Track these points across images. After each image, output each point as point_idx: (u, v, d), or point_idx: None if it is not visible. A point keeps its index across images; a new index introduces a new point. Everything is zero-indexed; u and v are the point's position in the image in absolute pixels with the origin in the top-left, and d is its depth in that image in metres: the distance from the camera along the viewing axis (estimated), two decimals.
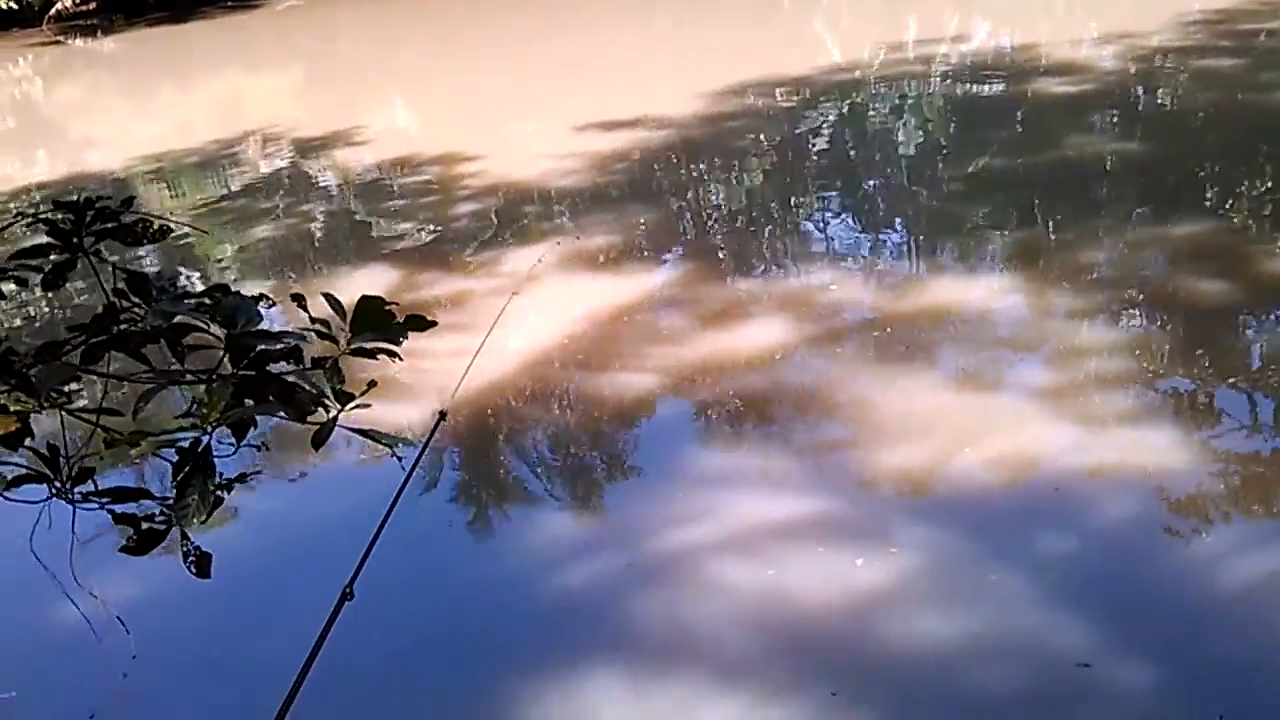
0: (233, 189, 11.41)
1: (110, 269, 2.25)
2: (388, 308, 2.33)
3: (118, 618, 2.41)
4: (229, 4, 26.70)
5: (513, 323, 6.58)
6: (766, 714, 3.22)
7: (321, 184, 11.24)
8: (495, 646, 3.79)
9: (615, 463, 5.18)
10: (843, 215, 8.37)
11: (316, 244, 9.28)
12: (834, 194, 8.88)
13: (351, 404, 2.15)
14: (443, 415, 3.25)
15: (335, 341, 2.29)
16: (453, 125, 12.85)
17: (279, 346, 2.25)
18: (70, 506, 2.21)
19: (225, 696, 3.54)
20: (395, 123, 13.97)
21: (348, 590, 2.32)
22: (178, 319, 2.28)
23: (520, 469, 5.26)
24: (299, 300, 2.33)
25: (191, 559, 2.21)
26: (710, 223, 8.50)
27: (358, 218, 9.89)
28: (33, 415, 2.05)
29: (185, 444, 2.09)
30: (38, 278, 2.25)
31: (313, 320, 2.29)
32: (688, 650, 3.57)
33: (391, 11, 23.44)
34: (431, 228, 8.96)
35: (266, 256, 9.04)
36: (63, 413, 2.22)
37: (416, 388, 5.63)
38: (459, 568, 4.50)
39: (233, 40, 23.24)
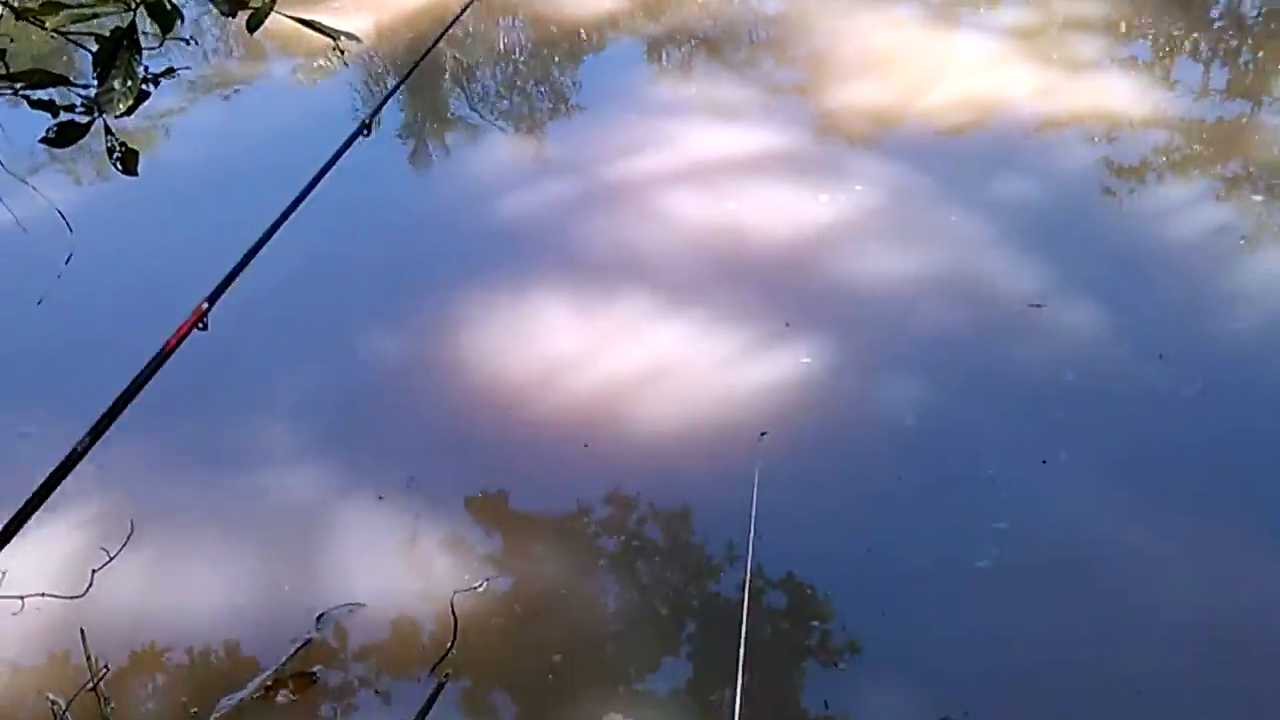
0: None
1: None
2: None
3: (58, 211, 2.29)
4: None
5: None
6: (716, 338, 3.25)
7: None
8: (448, 263, 3.74)
9: (570, 88, 4.99)
10: None
11: None
12: None
13: None
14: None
15: None
16: None
17: None
18: None
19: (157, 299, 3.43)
20: None
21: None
22: None
23: (472, 90, 5.05)
24: None
25: (117, 155, 2.06)
26: None
27: None
28: None
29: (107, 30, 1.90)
30: None
31: None
32: (640, 274, 3.54)
33: None
34: None
35: None
36: None
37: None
38: (413, 193, 4.38)
39: None
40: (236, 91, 5.08)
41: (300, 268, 3.56)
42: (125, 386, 1.39)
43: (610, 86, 4.93)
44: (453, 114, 4.86)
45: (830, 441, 2.90)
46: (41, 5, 1.79)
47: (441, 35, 2.61)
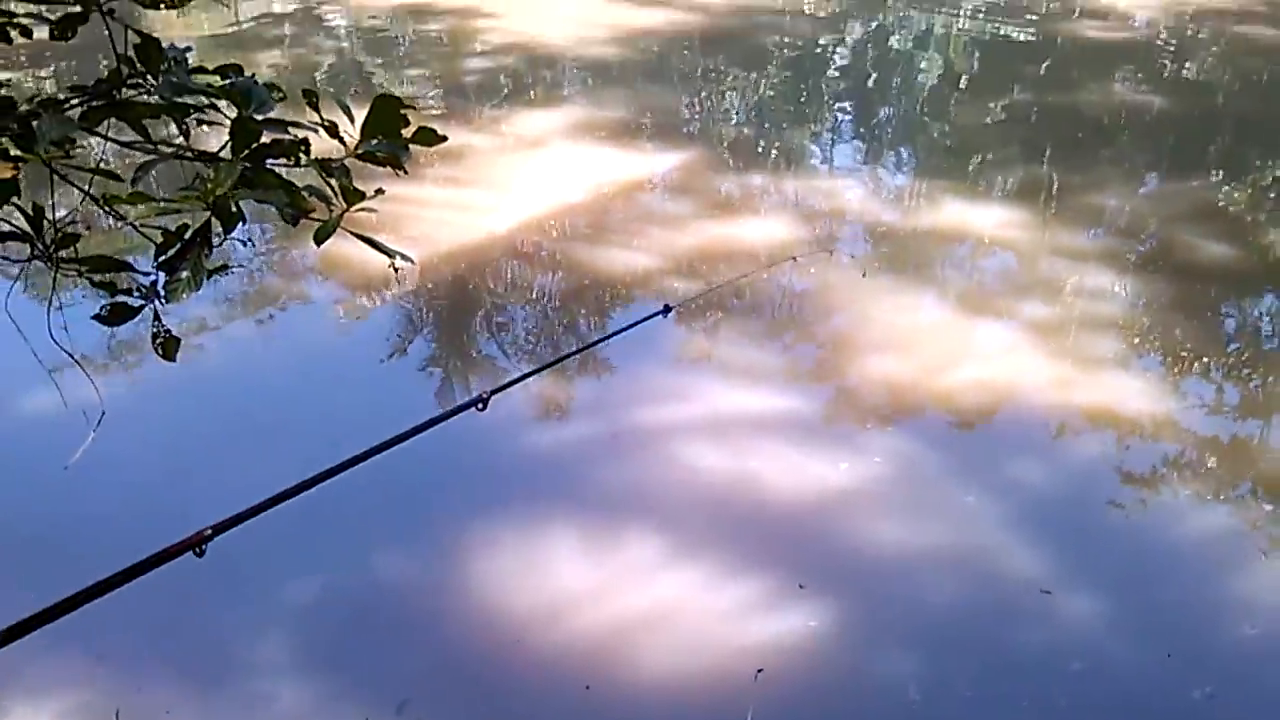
0: (241, 19, 11.11)
1: (123, 31, 2.17)
2: (402, 111, 2.26)
3: (92, 382, 2.38)
4: None
5: (514, 184, 6.52)
6: (721, 590, 3.25)
7: (332, 24, 10.96)
8: (461, 492, 3.79)
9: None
10: (854, 132, 8.27)
11: (317, 82, 9.07)
12: (848, 109, 8.75)
13: (359, 204, 2.09)
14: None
15: (343, 142, 2.22)
16: None
17: (287, 137, 2.18)
18: (50, 270, 2.16)
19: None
20: None
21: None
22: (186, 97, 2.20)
23: (502, 329, 5.23)
24: (310, 97, 2.26)
25: (160, 340, 2.16)
26: (724, 116, 8.37)
27: (362, 60, 9.67)
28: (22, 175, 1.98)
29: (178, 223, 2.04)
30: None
31: (323, 119, 2.22)
32: (653, 520, 3.58)
33: None
34: (438, 80, 8.78)
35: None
36: (55, 174, 2.16)
37: (403, 233, 5.57)
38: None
39: None
40: (280, 308, 5.27)
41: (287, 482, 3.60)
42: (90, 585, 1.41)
43: (636, 340, 5.09)
44: (481, 352, 5.01)
45: (832, 711, 2.84)
46: (130, 195, 1.92)
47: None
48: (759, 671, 2.80)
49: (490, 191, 6.34)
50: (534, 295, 5.51)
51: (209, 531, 1.66)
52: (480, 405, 2.10)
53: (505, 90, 8.57)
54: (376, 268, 5.29)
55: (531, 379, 4.58)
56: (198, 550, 1.63)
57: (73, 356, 2.38)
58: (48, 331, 2.20)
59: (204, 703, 2.78)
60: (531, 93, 8.47)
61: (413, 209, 5.83)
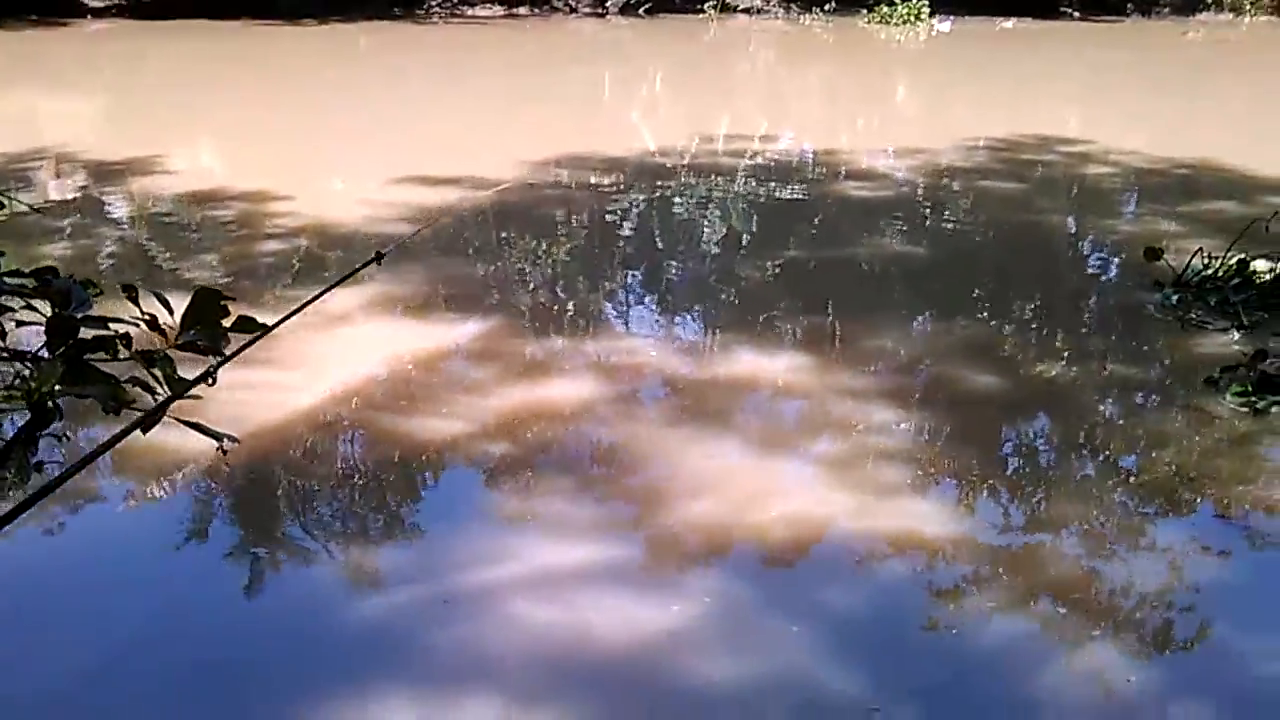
0: (16, 210, 10.83)
1: None
2: (222, 303, 2.36)
3: None
4: (32, 18, 25.41)
5: (316, 362, 6.54)
6: None
7: (117, 212, 10.81)
8: (287, 675, 3.73)
9: (417, 504, 5.19)
10: (646, 293, 8.66)
11: (105, 270, 8.91)
12: (639, 273, 9.17)
13: (185, 390, 2.16)
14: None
15: (164, 334, 2.30)
16: (262, 166, 12.58)
17: (108, 332, 2.24)
18: None
19: None
20: (200, 159, 13.58)
21: None
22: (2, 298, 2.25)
23: (317, 506, 5.18)
24: (129, 290, 2.33)
25: None
26: (521, 286, 8.63)
27: (152, 247, 9.56)
28: None
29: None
30: None
31: (143, 313, 2.29)
32: (486, 681, 3.62)
33: (206, 49, 22.87)
34: (232, 264, 8.76)
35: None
36: None
37: (212, 417, 5.48)
38: (254, 601, 4.39)
39: (33, 56, 22.11)
40: (85, 500, 5.11)
41: (112, 678, 3.56)
42: None
43: (452, 505, 5.18)
44: (285, 534, 4.95)
45: None
46: None
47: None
48: None
49: (293, 371, 6.34)
50: (342, 468, 5.51)
51: None
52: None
53: (301, 270, 8.62)
54: (195, 448, 5.21)
55: (345, 546, 4.57)
56: None
57: None
58: None
59: None
60: (327, 272, 8.55)
61: (213, 391, 5.77)
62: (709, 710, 3.56)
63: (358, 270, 3.15)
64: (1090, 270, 9.70)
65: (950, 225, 10.83)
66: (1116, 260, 9.76)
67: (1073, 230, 10.78)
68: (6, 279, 2.26)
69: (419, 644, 3.88)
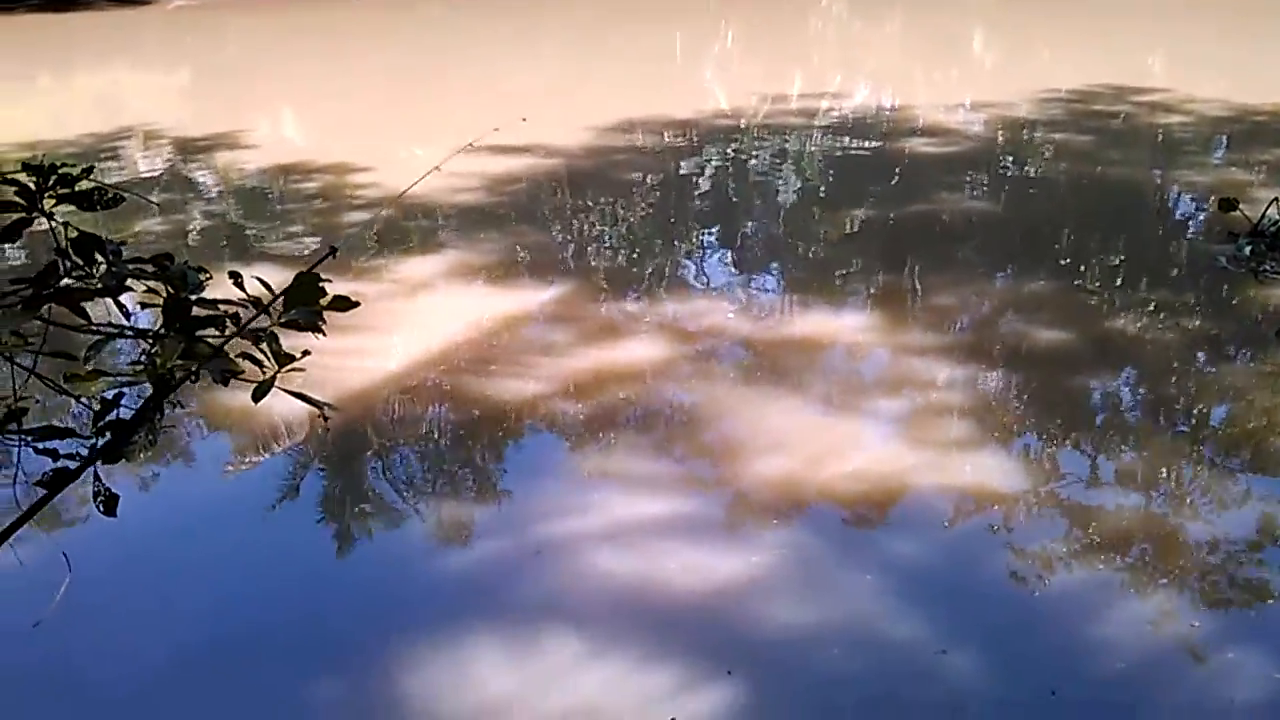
0: (109, 184, 11.22)
1: (63, 228, 2.40)
2: (321, 284, 2.54)
3: (63, 553, 2.57)
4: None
5: (400, 328, 6.78)
6: (633, 680, 3.51)
7: (204, 186, 11.18)
8: (383, 623, 3.97)
9: (500, 462, 5.40)
10: (721, 253, 8.76)
11: (194, 244, 9.26)
12: (713, 233, 9.27)
13: (289, 365, 2.34)
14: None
15: (268, 314, 2.48)
16: (342, 138, 12.88)
17: (218, 312, 2.44)
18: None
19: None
20: (282, 131, 13.94)
21: None
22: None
23: (407, 465, 5.43)
24: (235, 277, 2.52)
25: (101, 498, 2.37)
26: (595, 249, 8.79)
27: (239, 221, 9.90)
28: None
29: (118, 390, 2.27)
30: None
31: (247, 295, 2.48)
32: (569, 626, 3.84)
33: (284, 23, 23.29)
34: (317, 235, 9.04)
35: (146, 252, 8.96)
36: (10, 360, 2.37)
37: (308, 384, 5.74)
38: (350, 556, 4.65)
39: (118, 35, 22.74)
40: (194, 462, 5.41)
41: (229, 623, 3.84)
42: None
43: (533, 462, 5.37)
44: (377, 492, 5.20)
45: None
46: (89, 372, 2.15)
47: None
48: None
49: (380, 336, 6.59)
50: (429, 429, 5.74)
51: None
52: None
53: (383, 240, 8.87)
54: (288, 413, 5.48)
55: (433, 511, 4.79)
56: None
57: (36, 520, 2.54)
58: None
59: None
60: (410, 241, 8.79)
61: (308, 359, 6.03)
62: (783, 652, 3.71)
63: (316, 264, 3.30)
64: (1164, 223, 9.56)
65: (1025, 179, 10.73)
66: (1191, 212, 9.62)
67: (1147, 182, 10.62)
68: (129, 264, 2.46)
69: (505, 593, 4.10)
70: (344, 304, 2.62)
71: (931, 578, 4.21)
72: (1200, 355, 6.48)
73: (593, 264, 8.38)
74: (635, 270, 8.17)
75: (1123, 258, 8.21)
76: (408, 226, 9.21)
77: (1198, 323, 6.88)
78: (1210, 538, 4.48)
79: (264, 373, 2.44)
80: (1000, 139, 11.95)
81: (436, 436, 5.69)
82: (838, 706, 3.45)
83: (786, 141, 12.16)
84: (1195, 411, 5.79)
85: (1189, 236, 9.01)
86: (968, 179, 10.45)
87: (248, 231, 9.55)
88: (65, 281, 2.42)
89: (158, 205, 9.63)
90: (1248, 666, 3.64)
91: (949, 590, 4.13)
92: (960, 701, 3.43)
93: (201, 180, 11.34)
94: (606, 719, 3.34)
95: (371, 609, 4.12)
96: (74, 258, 2.39)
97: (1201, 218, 9.17)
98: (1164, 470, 5.09)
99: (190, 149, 12.37)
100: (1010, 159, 11.42)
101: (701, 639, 3.77)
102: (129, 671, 3.79)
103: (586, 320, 6.95)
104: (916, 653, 3.67)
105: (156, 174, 11.59)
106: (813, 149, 11.95)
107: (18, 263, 8.08)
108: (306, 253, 8.52)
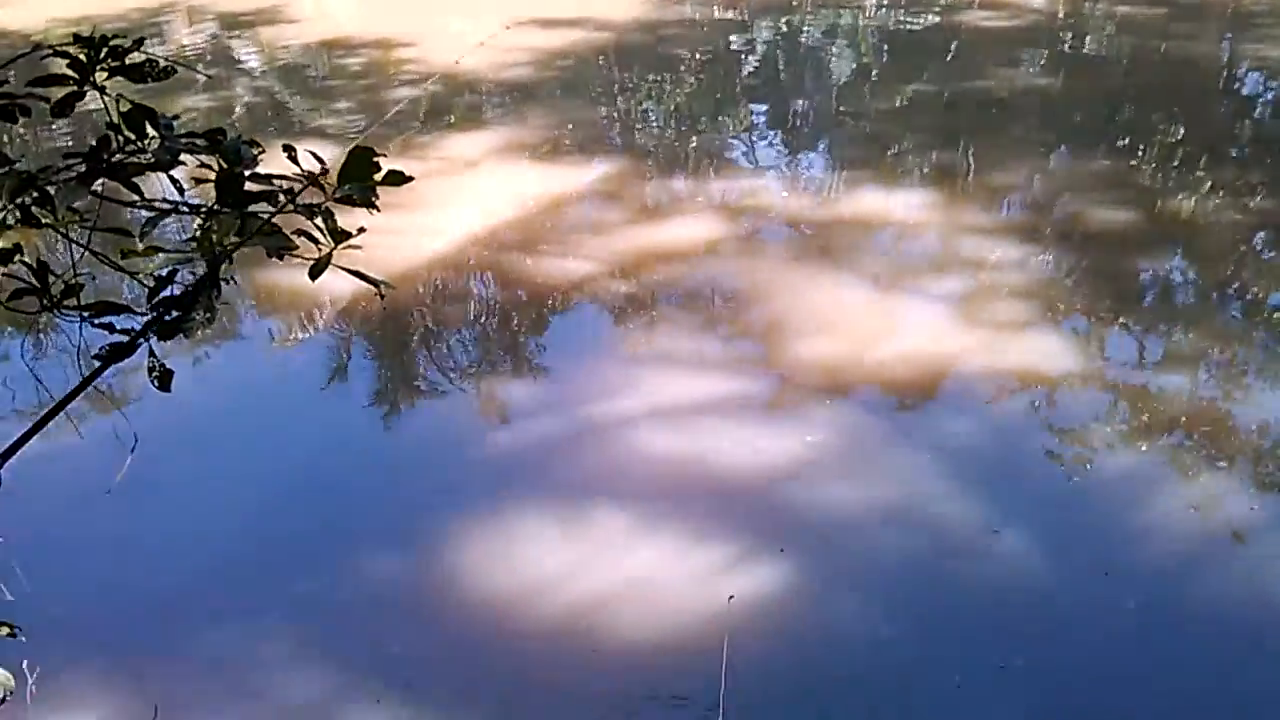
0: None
1: (115, 101, 2.37)
2: (375, 159, 2.50)
3: (122, 413, 2.64)
4: None
5: (448, 206, 6.75)
6: (686, 556, 3.54)
7: (249, 61, 11.08)
8: (436, 499, 4.03)
9: (547, 341, 5.41)
10: (771, 130, 8.59)
11: (239, 121, 9.21)
12: (764, 109, 9.08)
13: (345, 242, 2.32)
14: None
15: (322, 189, 2.45)
16: (385, 13, 12.65)
17: (272, 187, 2.41)
18: (62, 320, 2.36)
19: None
20: (324, 7, 13.71)
21: None
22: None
23: (456, 345, 5.46)
24: (289, 150, 2.48)
25: (156, 374, 2.38)
26: (644, 126, 8.66)
27: (285, 98, 9.82)
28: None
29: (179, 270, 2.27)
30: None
31: (301, 170, 2.45)
32: (619, 502, 3.87)
33: None
34: (363, 112, 8.95)
35: (194, 128, 8.95)
36: (65, 236, 2.37)
37: (359, 261, 5.75)
38: (402, 434, 4.70)
39: None
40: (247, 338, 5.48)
41: (286, 499, 3.91)
42: None
43: (581, 342, 5.38)
44: (426, 372, 5.23)
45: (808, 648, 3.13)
46: (145, 248, 2.15)
47: None
48: (731, 598, 3.15)
49: (427, 214, 6.56)
50: (478, 308, 5.76)
51: None
52: None
53: (430, 116, 8.77)
54: (338, 290, 5.51)
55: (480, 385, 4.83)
56: None
57: (103, 392, 2.60)
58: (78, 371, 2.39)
59: (218, 698, 2.98)
60: (454, 117, 8.69)
61: (359, 237, 6.03)
62: (836, 530, 3.72)
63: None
64: (1232, 100, 9.22)
65: (1087, 55, 10.36)
66: (1261, 89, 9.26)
67: (1216, 58, 10.22)
68: (181, 139, 2.44)
69: (555, 471, 4.14)
70: (398, 179, 2.59)
71: (983, 459, 4.19)
72: (1265, 236, 6.30)
73: (641, 141, 8.26)
74: (684, 148, 8.04)
75: (1187, 136, 7.95)
76: (455, 103, 9.10)
77: (1264, 202, 6.67)
78: (1271, 421, 4.41)
79: (319, 250, 2.43)
80: (1061, 12, 11.52)
81: (485, 317, 5.71)
82: (893, 584, 3.47)
83: (840, 16, 11.80)
84: (1258, 293, 5.65)
85: (1258, 114, 8.69)
86: (1026, 55, 10.11)
87: (293, 108, 9.48)
88: (118, 157, 2.41)
89: (209, 77, 9.57)
90: None
91: (1001, 471, 4.12)
92: (1015, 582, 3.43)
93: (245, 57, 11.23)
94: (660, 594, 3.38)
95: (422, 487, 4.18)
96: (126, 132, 2.37)
97: (1270, 95, 8.84)
98: (1222, 352, 5.01)
99: (233, 25, 12.23)
100: (1071, 34, 11.02)
101: (753, 517, 3.79)
102: (190, 542, 3.88)
103: (633, 198, 6.89)
104: (970, 532, 3.67)
105: (200, 50, 11.49)
106: (866, 23, 11.59)
107: (64, 143, 8.09)
108: (354, 130, 8.46)
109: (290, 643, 3.25)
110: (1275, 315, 5.44)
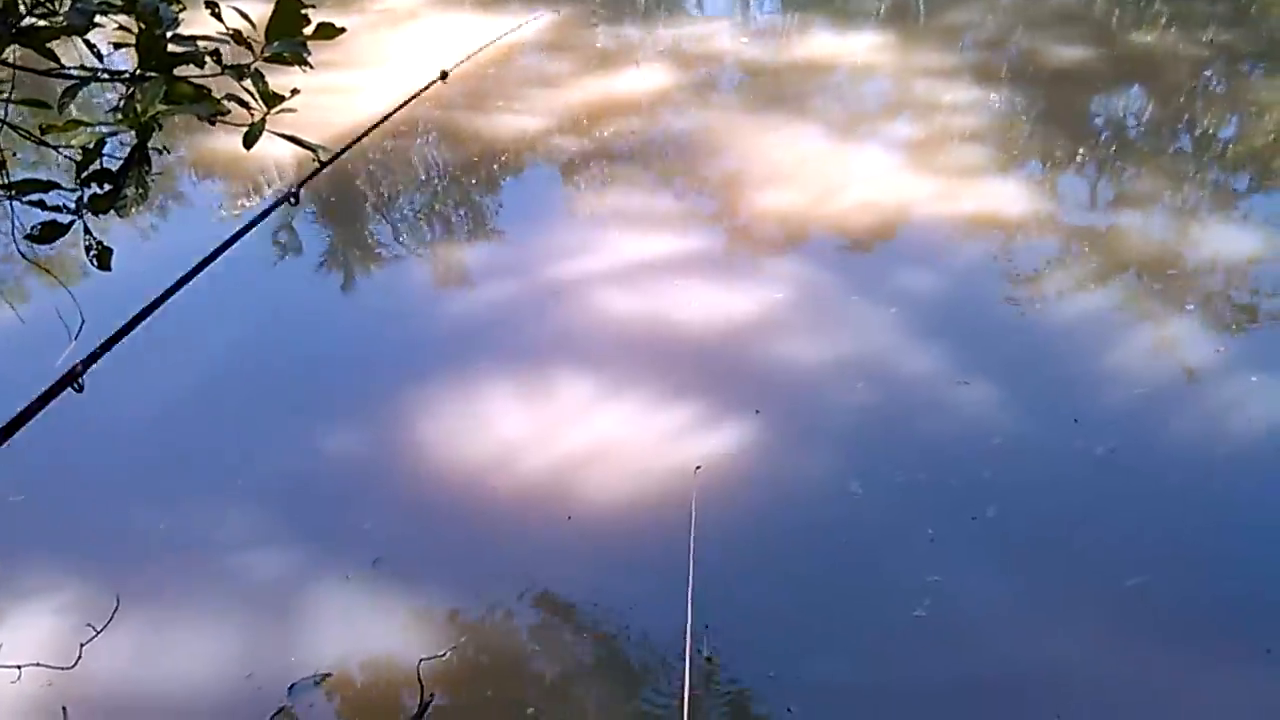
0: None
1: None
2: (304, 10, 2.34)
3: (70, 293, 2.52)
4: None
5: (388, 62, 6.49)
6: (652, 417, 3.51)
7: None
8: (395, 364, 3.93)
9: (498, 202, 5.28)
10: None
11: None
12: None
13: (279, 106, 2.19)
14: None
15: (249, 48, 2.30)
16: None
17: (195, 49, 2.26)
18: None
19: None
20: None
21: None
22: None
23: (403, 208, 5.31)
24: (212, 7, 2.32)
25: (94, 252, 2.27)
26: None
27: None
28: None
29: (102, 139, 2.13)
30: None
31: (227, 28, 2.29)
32: (579, 364, 3.80)
33: None
34: None
35: None
36: None
37: (282, 124, 5.55)
38: (355, 302, 4.58)
39: None
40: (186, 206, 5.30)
41: (241, 374, 3.81)
42: None
43: (535, 201, 5.25)
44: (376, 238, 5.09)
45: (775, 509, 3.15)
46: (66, 122, 2.01)
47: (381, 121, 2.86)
48: (698, 468, 3.12)
49: (365, 70, 6.32)
50: (424, 170, 5.59)
51: (79, 366, 1.79)
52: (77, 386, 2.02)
53: None
54: (279, 154, 5.32)
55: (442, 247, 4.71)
56: (76, 386, 1.77)
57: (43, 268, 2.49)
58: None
59: (187, 578, 2.95)
60: None
61: (294, 98, 5.80)
62: (798, 385, 3.68)
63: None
64: None
65: None
66: None
67: None
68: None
69: (514, 335, 4.04)
70: (330, 31, 2.43)
71: (948, 310, 4.12)
72: (1226, 70, 6.22)
73: None
74: None
75: None
76: None
77: (1226, 35, 6.57)
78: (1232, 261, 4.40)
79: (252, 116, 2.30)
80: None
81: (434, 178, 5.54)
82: (862, 441, 3.44)
83: None
84: (1218, 130, 5.59)
85: None
86: None
87: None
88: (28, 21, 2.25)
89: None
90: (1271, 388, 3.62)
91: (967, 322, 4.05)
92: (985, 429, 3.42)
93: None
94: (626, 458, 3.34)
95: (380, 354, 4.07)
96: None
97: None
98: (1182, 191, 4.97)
99: None
100: None
101: (719, 375, 3.73)
102: (144, 425, 3.75)
103: (582, 48, 6.67)
104: (939, 385, 3.63)
105: None
106: None
107: None
108: None
109: (252, 521, 3.20)
110: (1226, 149, 5.40)
